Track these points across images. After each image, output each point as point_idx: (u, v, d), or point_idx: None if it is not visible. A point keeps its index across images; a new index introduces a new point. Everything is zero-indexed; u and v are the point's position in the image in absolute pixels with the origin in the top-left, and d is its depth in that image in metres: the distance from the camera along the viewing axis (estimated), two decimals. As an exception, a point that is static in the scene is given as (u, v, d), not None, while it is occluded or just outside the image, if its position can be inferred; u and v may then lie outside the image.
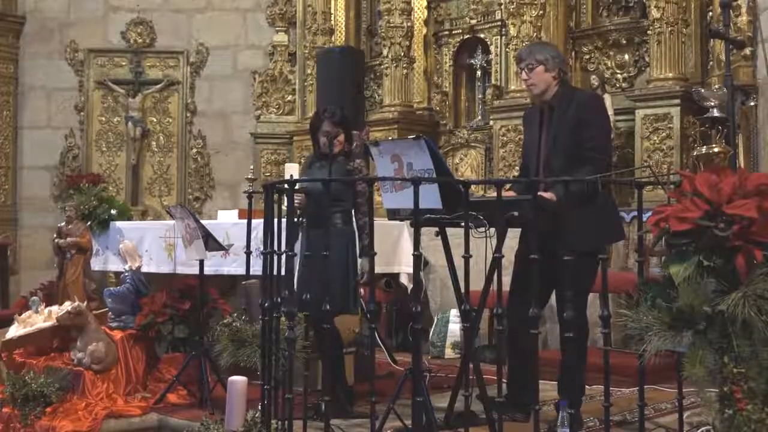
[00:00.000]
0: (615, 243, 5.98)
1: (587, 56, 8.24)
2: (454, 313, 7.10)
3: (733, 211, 2.90)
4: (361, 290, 5.01)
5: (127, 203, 9.74)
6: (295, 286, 4.51)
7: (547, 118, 4.48)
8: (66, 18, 10.60)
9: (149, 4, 10.61)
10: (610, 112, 7.42)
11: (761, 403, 2.84)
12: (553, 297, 4.42)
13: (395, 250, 5.99)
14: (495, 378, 3.68)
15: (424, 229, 3.94)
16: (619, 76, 8.08)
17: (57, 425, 5.03)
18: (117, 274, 7.19)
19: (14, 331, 6.04)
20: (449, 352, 7.11)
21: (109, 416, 5.10)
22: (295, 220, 4.51)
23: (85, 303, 5.97)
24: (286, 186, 4.10)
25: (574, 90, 4.73)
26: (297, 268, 4.61)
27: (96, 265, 7.63)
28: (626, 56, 8.06)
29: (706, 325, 2.90)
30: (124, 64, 10.61)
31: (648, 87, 7.36)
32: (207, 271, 5.64)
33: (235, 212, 7.07)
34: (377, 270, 4.73)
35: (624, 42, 8.03)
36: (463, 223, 3.76)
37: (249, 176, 7.68)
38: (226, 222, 6.59)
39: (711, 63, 7.30)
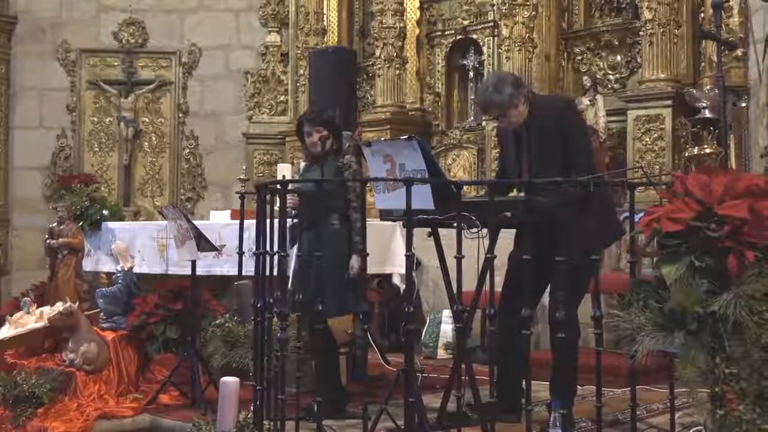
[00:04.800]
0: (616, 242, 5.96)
1: (579, 57, 8.25)
2: (446, 313, 7.10)
3: (724, 211, 2.90)
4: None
5: (119, 204, 9.70)
6: (290, 287, 4.50)
7: (525, 133, 4.44)
8: (58, 18, 10.56)
9: (141, 4, 10.58)
10: (602, 113, 7.46)
11: (752, 404, 2.84)
12: (546, 297, 4.42)
13: (388, 250, 5.97)
14: (487, 378, 3.68)
15: (416, 230, 3.94)
16: (611, 77, 8.09)
17: (49, 426, 5.02)
18: (109, 274, 7.16)
19: (5, 331, 6.03)
20: (441, 353, 7.12)
21: (101, 417, 5.10)
22: (293, 222, 4.51)
23: (77, 304, 5.96)
24: (278, 187, 4.10)
25: (536, 98, 4.62)
26: (292, 268, 4.61)
27: (88, 265, 7.60)
28: (618, 57, 8.07)
29: (698, 326, 2.90)
30: (116, 64, 10.58)
31: (640, 88, 7.37)
32: (199, 271, 5.62)
33: (228, 213, 7.05)
34: (370, 270, 4.72)
35: (616, 43, 8.04)
36: (455, 224, 3.76)
37: (241, 177, 7.64)
38: (218, 222, 6.57)
39: (703, 64, 7.32)
